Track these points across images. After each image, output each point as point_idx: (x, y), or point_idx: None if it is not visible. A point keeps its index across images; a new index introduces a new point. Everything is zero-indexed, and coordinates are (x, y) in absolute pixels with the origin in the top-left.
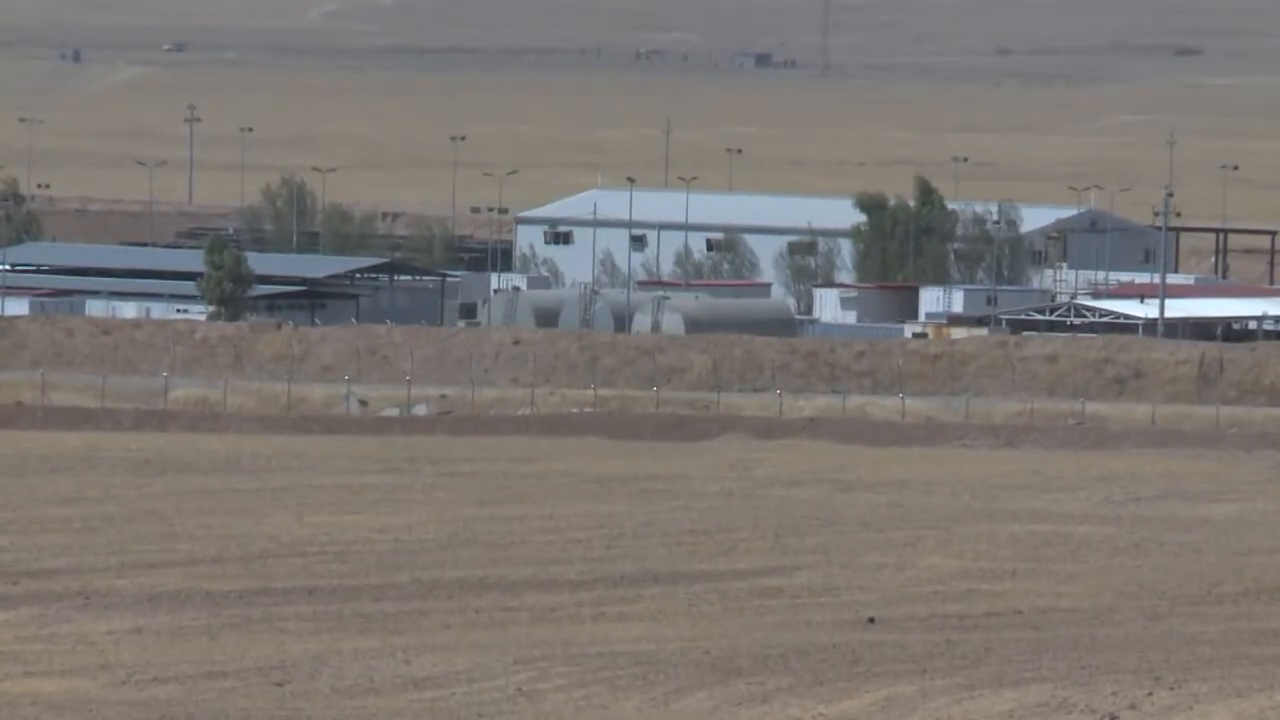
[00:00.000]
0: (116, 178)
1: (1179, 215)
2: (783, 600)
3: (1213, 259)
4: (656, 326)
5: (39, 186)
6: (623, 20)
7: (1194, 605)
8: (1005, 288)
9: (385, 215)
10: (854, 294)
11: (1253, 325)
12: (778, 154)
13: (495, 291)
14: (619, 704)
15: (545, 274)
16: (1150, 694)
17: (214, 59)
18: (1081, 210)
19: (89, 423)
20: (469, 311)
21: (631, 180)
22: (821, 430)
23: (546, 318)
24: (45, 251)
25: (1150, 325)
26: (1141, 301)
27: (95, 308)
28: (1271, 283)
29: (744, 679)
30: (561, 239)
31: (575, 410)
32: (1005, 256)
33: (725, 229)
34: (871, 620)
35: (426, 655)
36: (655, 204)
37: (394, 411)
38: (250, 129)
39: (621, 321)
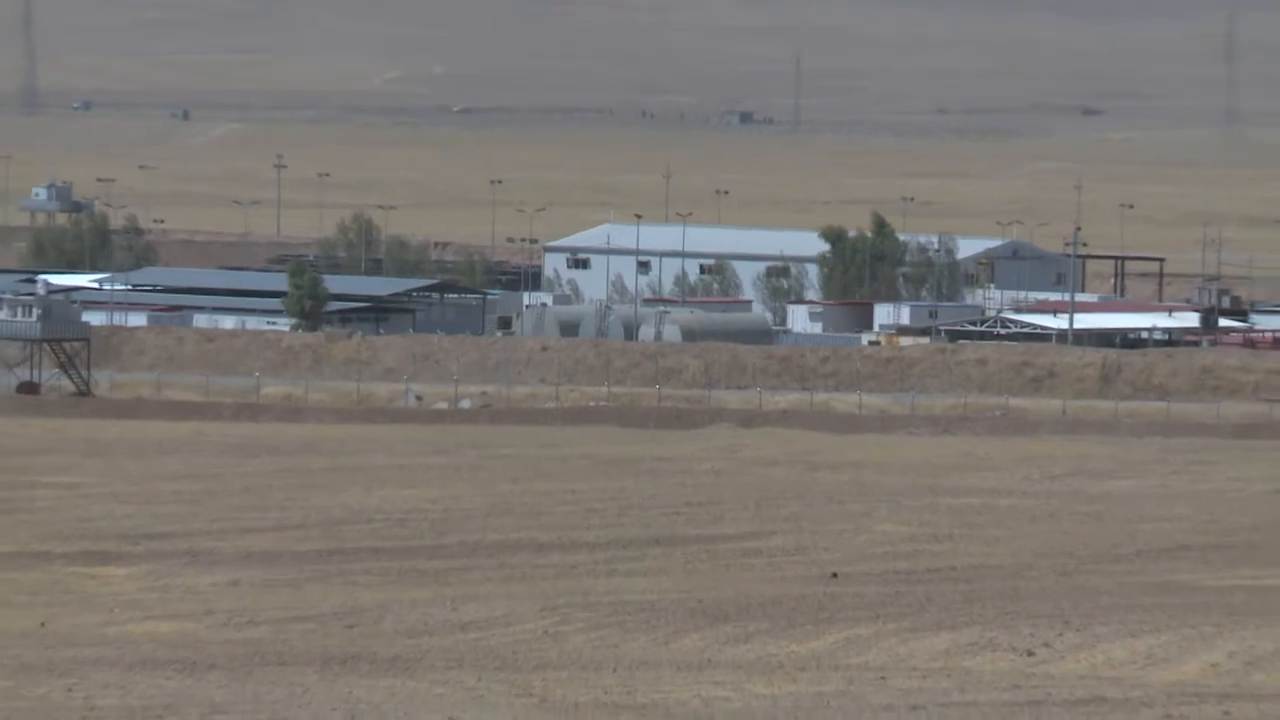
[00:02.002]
0: (217, 214)
1: (1085, 245)
2: (761, 559)
3: (1113, 281)
4: (658, 336)
5: (155, 221)
6: (631, 86)
7: (1096, 563)
8: (944, 304)
9: (436, 244)
10: (820, 309)
11: (1144, 335)
12: (758, 195)
13: (527, 307)
14: (627, 643)
15: (567, 293)
16: (1060, 634)
17: (297, 117)
18: (1006, 241)
19: (195, 414)
20: (505, 323)
21: (638, 216)
22: (793, 420)
23: (568, 329)
24: (160, 274)
25: (1061, 335)
26: (1054, 315)
27: (200, 320)
28: (1160, 300)
29: (730, 623)
30: (581, 264)
31: (592, 404)
32: (944, 279)
33: (715, 256)
34: (834, 575)
35: (470, 603)
36: (657, 236)
37: (444, 405)
38: (327, 174)
39: (629, 332)
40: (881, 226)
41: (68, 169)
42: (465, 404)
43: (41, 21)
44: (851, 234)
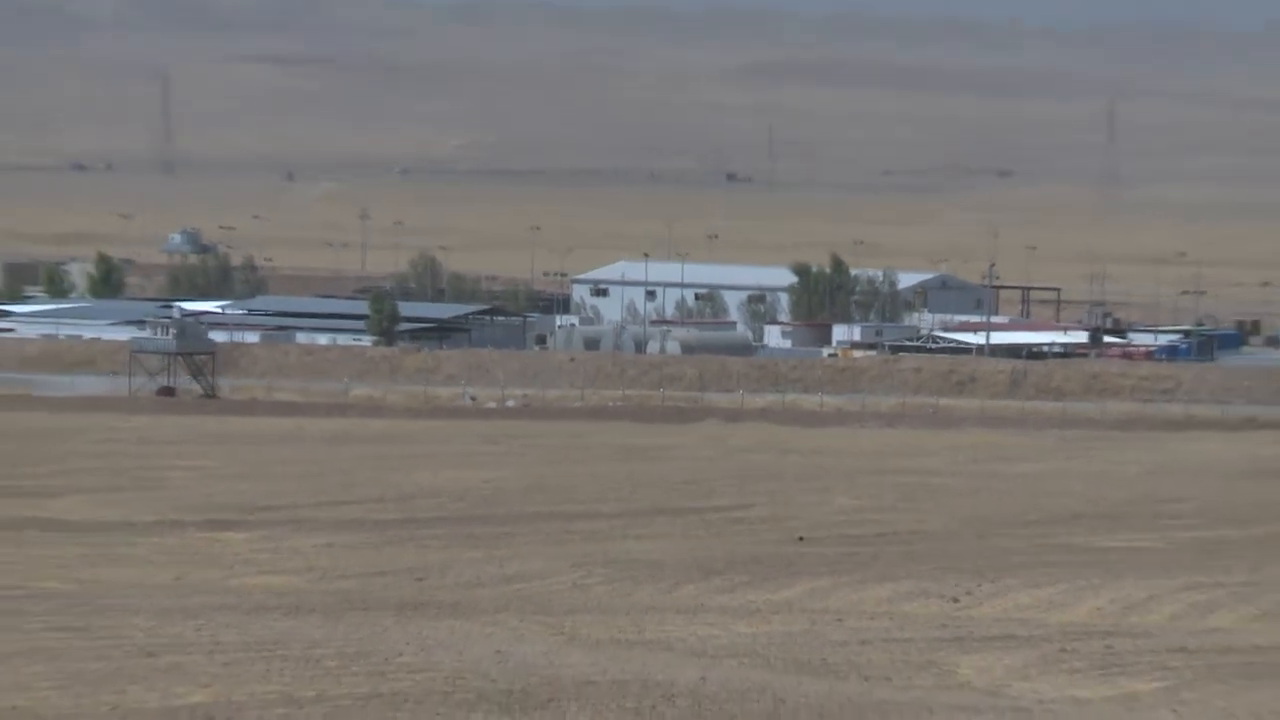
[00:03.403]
0: (315, 254)
1: (998, 278)
2: (744, 526)
3: (1020, 306)
4: (662, 350)
5: (265, 260)
6: (641, 152)
7: (1008, 529)
8: (887, 325)
9: (487, 278)
10: (789, 329)
11: (1045, 349)
12: (740, 239)
13: (558, 327)
14: (637, 593)
15: (590, 316)
16: (979, 585)
17: (378, 178)
18: (936, 275)
19: (297, 412)
20: (541, 340)
21: (646, 255)
22: (769, 416)
23: (591, 344)
24: (269, 302)
25: (980, 349)
26: (974, 334)
27: (301, 338)
28: (1057, 321)
29: (719, 576)
30: (601, 293)
31: (610, 404)
32: (887, 305)
33: (707, 287)
34: (801, 539)
35: (514, 561)
36: (662, 271)
37: (493, 404)
38: (401, 222)
39: (639, 346)
40: (838, 264)
41: (198, 219)
42: (510, 403)
43: (178, 103)
44: (814, 269)
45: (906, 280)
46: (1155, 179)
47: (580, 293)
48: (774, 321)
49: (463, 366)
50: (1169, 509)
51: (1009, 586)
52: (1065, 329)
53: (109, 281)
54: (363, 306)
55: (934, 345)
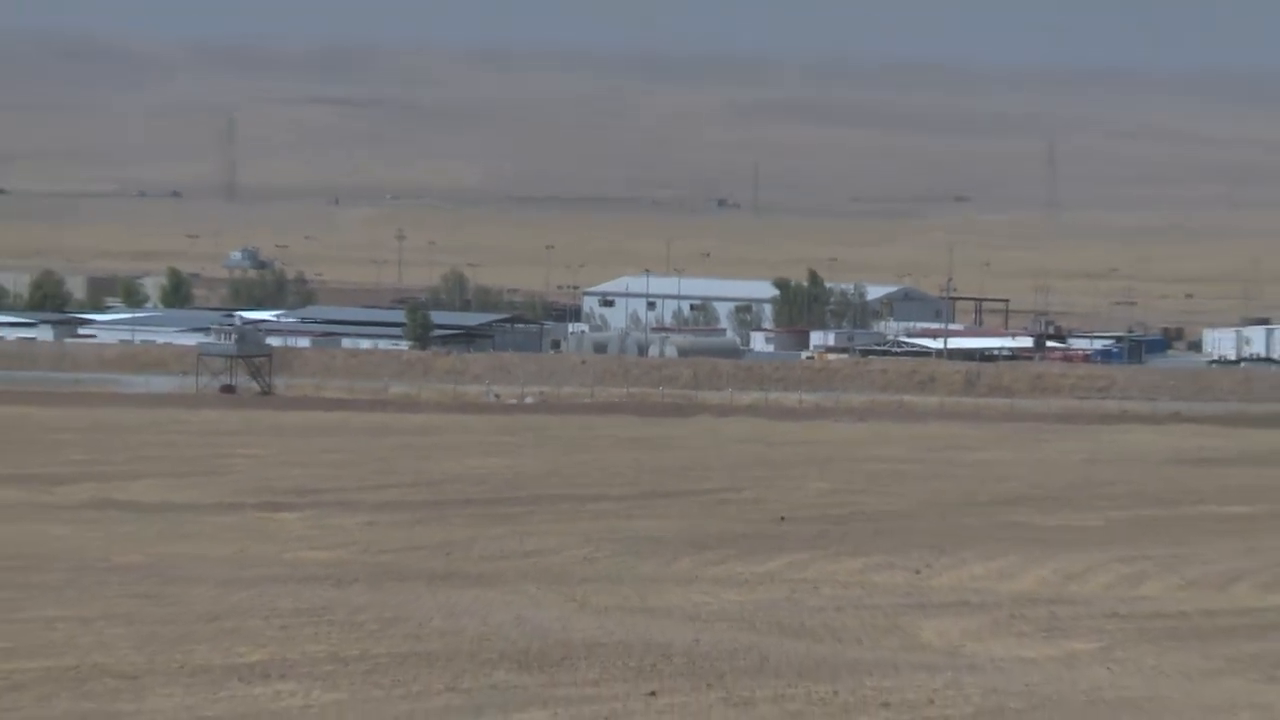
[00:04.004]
0: (358, 269)
1: (955, 291)
2: (732, 507)
3: (974, 315)
4: (662, 353)
5: (315, 275)
6: (643, 180)
7: (964, 509)
8: (858, 331)
9: (509, 290)
10: (772, 335)
11: (996, 352)
12: (730, 256)
13: (571, 333)
14: (641, 565)
15: (599, 324)
16: (938, 558)
17: (414, 202)
18: (900, 288)
19: (342, 407)
20: (555, 344)
21: (648, 271)
22: (755, 412)
23: (599, 348)
24: (318, 311)
25: (939, 352)
26: (934, 339)
27: (346, 342)
28: (1006, 328)
29: (711, 551)
30: (608, 304)
31: (616, 400)
32: (858, 314)
33: (700, 298)
34: (782, 519)
35: (532, 537)
36: (661, 284)
37: (513, 401)
38: (433, 242)
39: (642, 350)
40: (815, 278)
41: (256, 239)
42: (528, 400)
43: (239, 138)
44: (794, 283)
45: (874, 293)
46: (1092, 205)
47: (590, 303)
48: (759, 329)
49: (487, 368)
50: (1103, 492)
51: (964, 559)
52: (1013, 335)
53: (178, 293)
54: (400, 315)
55: (899, 349)
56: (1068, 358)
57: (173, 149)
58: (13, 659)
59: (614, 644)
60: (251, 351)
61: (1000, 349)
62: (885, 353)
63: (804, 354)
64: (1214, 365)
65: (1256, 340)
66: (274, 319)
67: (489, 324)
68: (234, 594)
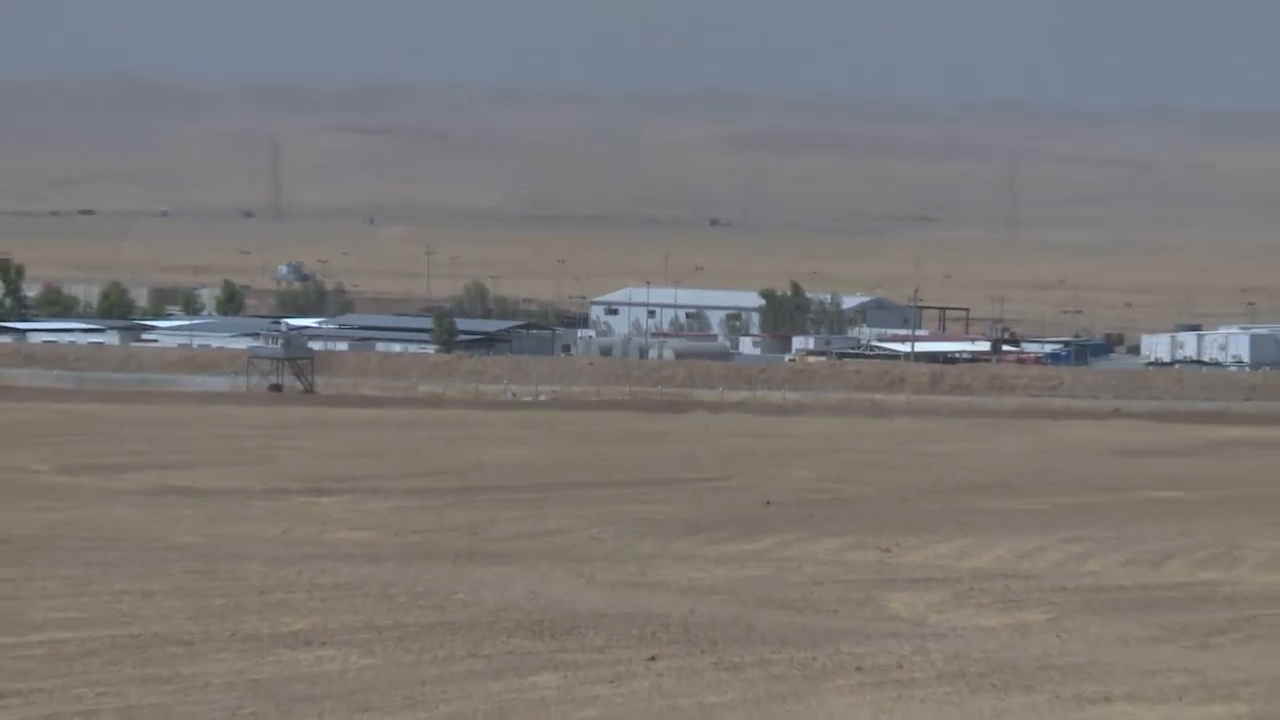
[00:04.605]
0: (391, 281)
1: (921, 300)
2: (724, 493)
3: (938, 322)
4: (660, 356)
5: (352, 286)
6: (644, 201)
7: (929, 495)
8: (835, 336)
9: (524, 300)
10: (759, 340)
11: (957, 355)
12: (722, 270)
13: (579, 338)
14: (643, 545)
15: (604, 330)
16: (906, 539)
17: (441, 221)
18: (873, 298)
19: (376, 404)
20: (566, 348)
21: (648, 282)
22: (744, 408)
23: (605, 351)
24: (355, 319)
25: (907, 355)
26: (903, 343)
27: (380, 346)
28: (967, 334)
29: (705, 533)
30: (613, 312)
31: (620, 398)
32: (835, 321)
33: (695, 307)
34: (768, 503)
35: (547, 519)
36: (660, 295)
37: (529, 398)
38: (457, 257)
39: (642, 353)
40: (797, 289)
41: (300, 254)
42: (542, 398)
43: (285, 164)
44: (778, 294)
45: (849, 302)
46: (1043, 224)
47: (596, 311)
48: (747, 334)
49: (505, 369)
50: (1052, 480)
51: (929, 540)
52: (973, 340)
53: (231, 302)
54: (427, 322)
55: (871, 353)
56: (1021, 360)
57: (227, 174)
58: (84, 628)
59: (618, 615)
60: (296, 354)
61: (961, 352)
62: (859, 355)
63: (787, 357)
64: (1150, 367)
65: (1189, 344)
66: (316, 325)
67: (507, 330)
68: (280, 570)
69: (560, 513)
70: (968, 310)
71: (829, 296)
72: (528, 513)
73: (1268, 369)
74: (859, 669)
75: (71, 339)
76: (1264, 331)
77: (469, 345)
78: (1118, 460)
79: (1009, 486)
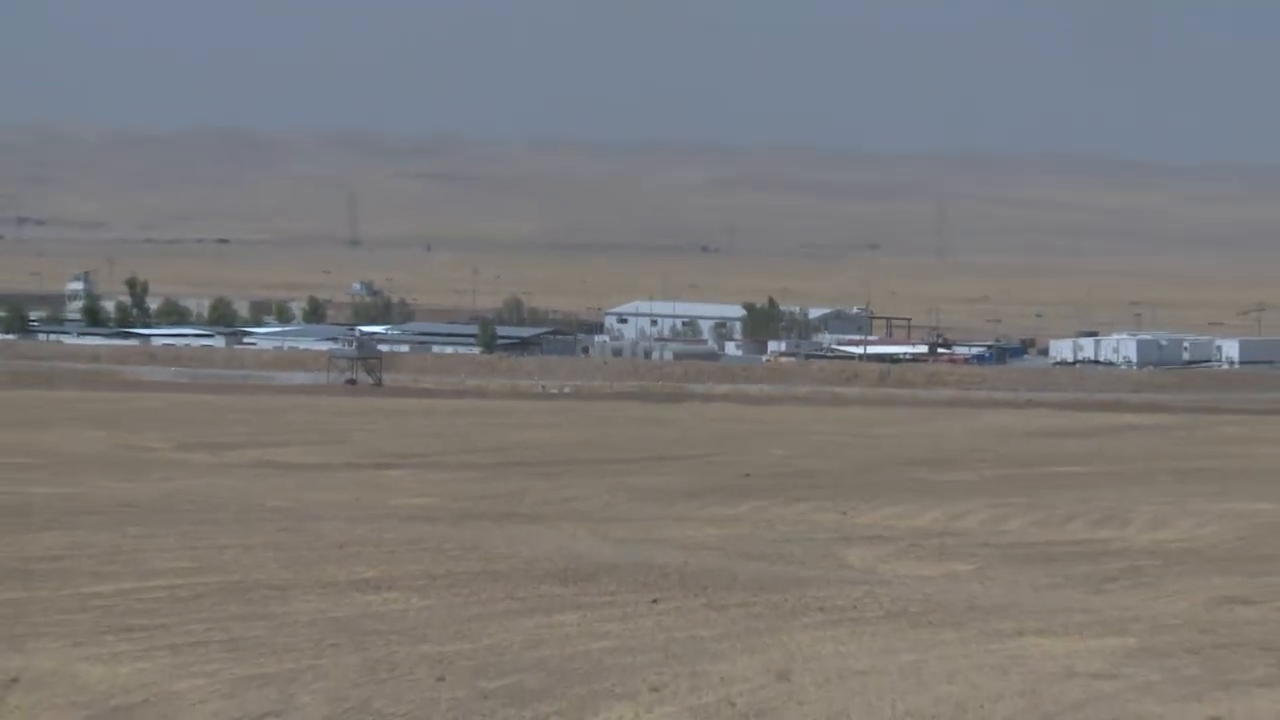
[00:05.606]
0: (445, 297)
1: (871, 312)
2: (714, 467)
3: (886, 329)
4: (661, 357)
5: (413, 299)
6: (649, 231)
7: (878, 469)
8: (803, 341)
9: (552, 311)
10: (741, 344)
11: (901, 356)
12: (711, 287)
13: (596, 342)
14: (648, 508)
15: (617, 335)
16: (860, 504)
17: (484, 248)
18: (833, 310)
19: (430, 395)
20: (585, 350)
21: (651, 297)
22: (730, 399)
23: (617, 353)
24: (416, 326)
25: (861, 356)
26: (858, 346)
27: (435, 348)
28: (909, 339)
29: (699, 499)
30: (623, 321)
31: (629, 390)
32: (803, 329)
33: (689, 317)
34: (748, 475)
35: (569, 489)
36: (661, 307)
37: (555, 391)
38: (498, 277)
39: (647, 354)
40: (772, 303)
41: (370, 275)
42: (566, 391)
43: (359, 199)
44: (758, 306)
45: (815, 313)
46: (970, 251)
47: (610, 320)
48: (731, 339)
49: (536, 367)
50: (978, 457)
51: (878, 505)
52: (913, 344)
53: (316, 313)
54: (474, 329)
55: (832, 354)
56: (952, 360)
57: (312, 210)
58: (196, 575)
59: (627, 565)
60: (367, 355)
61: (904, 354)
62: (822, 356)
63: (764, 358)
64: (1057, 366)
65: (1088, 348)
66: (383, 331)
67: (538, 335)
68: (355, 529)
69: (581, 483)
70: (909, 320)
71: (798, 309)
72: (554, 483)
73: (1151, 368)
74: (821, 609)
75: (186, 342)
76: (1148, 337)
77: (507, 348)
78: (1032, 441)
79: (943, 462)
